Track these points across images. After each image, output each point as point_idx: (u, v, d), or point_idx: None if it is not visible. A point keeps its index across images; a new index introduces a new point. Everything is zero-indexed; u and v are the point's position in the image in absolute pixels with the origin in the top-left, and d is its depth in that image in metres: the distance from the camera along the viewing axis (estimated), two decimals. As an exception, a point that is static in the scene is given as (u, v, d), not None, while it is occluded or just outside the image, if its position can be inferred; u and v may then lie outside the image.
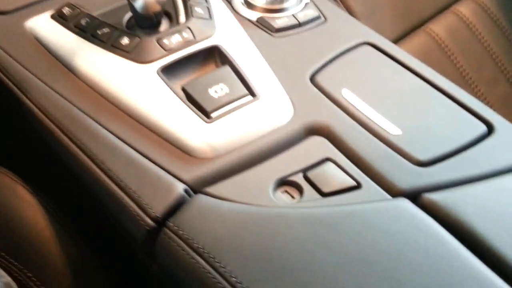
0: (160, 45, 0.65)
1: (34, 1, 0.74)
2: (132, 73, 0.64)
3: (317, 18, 0.73)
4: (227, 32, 0.68)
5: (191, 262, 0.52)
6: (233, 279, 0.50)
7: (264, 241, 0.53)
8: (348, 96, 0.64)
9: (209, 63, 0.66)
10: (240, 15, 0.74)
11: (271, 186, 0.57)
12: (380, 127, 0.61)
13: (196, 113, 0.61)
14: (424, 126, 0.62)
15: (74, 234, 0.68)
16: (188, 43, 0.66)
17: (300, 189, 0.57)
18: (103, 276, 0.68)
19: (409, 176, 0.57)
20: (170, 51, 0.65)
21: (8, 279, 0.59)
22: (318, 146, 0.60)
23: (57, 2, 0.72)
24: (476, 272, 0.51)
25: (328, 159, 0.59)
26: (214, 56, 0.66)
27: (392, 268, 0.51)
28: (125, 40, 0.66)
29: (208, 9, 0.70)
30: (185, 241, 0.53)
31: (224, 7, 0.73)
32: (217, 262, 0.51)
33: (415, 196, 0.56)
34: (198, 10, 0.69)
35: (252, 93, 0.63)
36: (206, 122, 0.60)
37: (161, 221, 0.55)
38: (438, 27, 1.03)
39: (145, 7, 0.65)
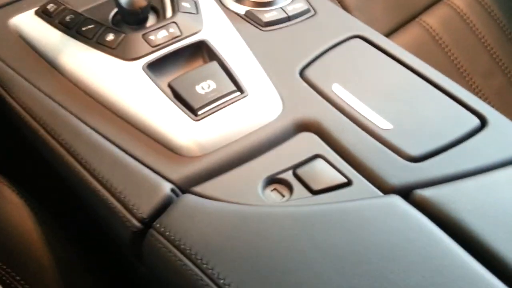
0: (146, 41, 0.64)
1: (18, -2, 0.73)
2: (117, 70, 0.63)
3: (307, 11, 0.72)
4: (214, 27, 0.67)
5: (178, 264, 0.51)
6: (221, 281, 0.49)
7: (253, 241, 0.51)
8: (338, 91, 0.63)
9: (196, 59, 0.65)
10: (228, 9, 0.72)
11: (260, 184, 0.56)
12: (371, 122, 0.60)
13: (183, 111, 0.60)
14: (416, 120, 0.60)
15: (61, 236, 0.67)
16: (175, 39, 0.64)
17: (289, 187, 0.56)
18: (90, 280, 0.67)
19: (400, 172, 0.56)
20: (156, 47, 0.64)
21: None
22: (308, 143, 0.59)
23: (42, -1, 0.71)
24: (468, 269, 0.50)
25: (318, 156, 0.58)
26: (201, 51, 0.65)
27: (384, 266, 0.50)
28: (110, 36, 0.64)
29: (195, 4, 0.69)
30: (172, 242, 0.52)
31: (212, 1, 0.72)
32: (205, 264, 0.50)
33: (407, 193, 0.55)
34: (185, 4, 0.68)
35: (240, 89, 0.62)
36: (193, 119, 0.59)
37: (148, 222, 0.54)
38: (432, 19, 1.02)
39: (131, 2, 0.64)
